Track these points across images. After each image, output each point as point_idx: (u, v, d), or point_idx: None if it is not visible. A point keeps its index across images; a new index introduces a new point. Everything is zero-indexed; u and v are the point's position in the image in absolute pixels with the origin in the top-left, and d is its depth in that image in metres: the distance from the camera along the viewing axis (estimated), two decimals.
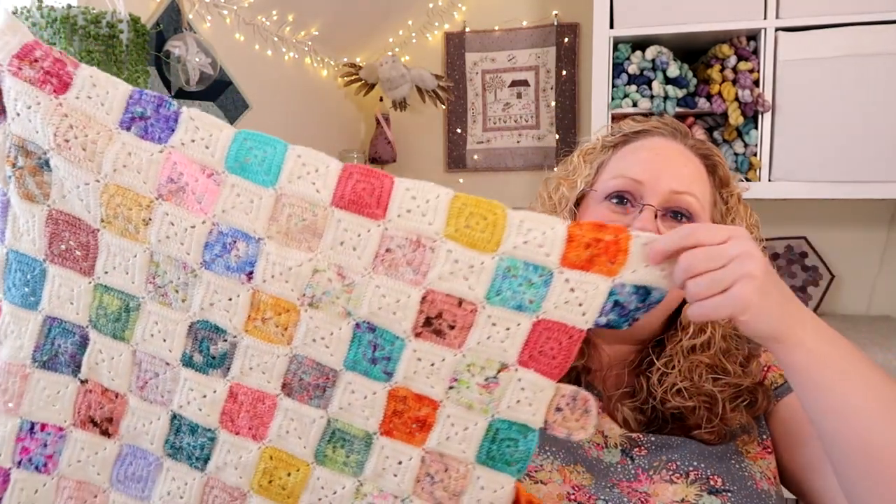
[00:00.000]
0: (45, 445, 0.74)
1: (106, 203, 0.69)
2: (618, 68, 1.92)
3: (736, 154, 1.88)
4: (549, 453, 0.79)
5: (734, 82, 1.83)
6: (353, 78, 2.43)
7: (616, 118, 1.97)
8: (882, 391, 0.62)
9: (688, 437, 0.81)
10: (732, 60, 1.85)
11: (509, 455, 0.69)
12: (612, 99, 1.91)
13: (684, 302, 0.86)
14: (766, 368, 0.87)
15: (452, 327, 0.67)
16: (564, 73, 2.45)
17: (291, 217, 0.68)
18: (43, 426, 0.73)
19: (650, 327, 0.86)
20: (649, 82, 1.89)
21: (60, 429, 0.73)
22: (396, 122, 2.57)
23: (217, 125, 0.71)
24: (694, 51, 1.98)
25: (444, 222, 0.66)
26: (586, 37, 2.36)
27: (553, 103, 2.47)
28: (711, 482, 0.75)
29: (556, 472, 0.77)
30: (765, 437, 0.83)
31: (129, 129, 0.70)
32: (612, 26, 1.91)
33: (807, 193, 1.83)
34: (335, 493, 0.71)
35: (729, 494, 0.75)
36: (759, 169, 1.84)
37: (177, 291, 0.70)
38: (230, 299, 0.69)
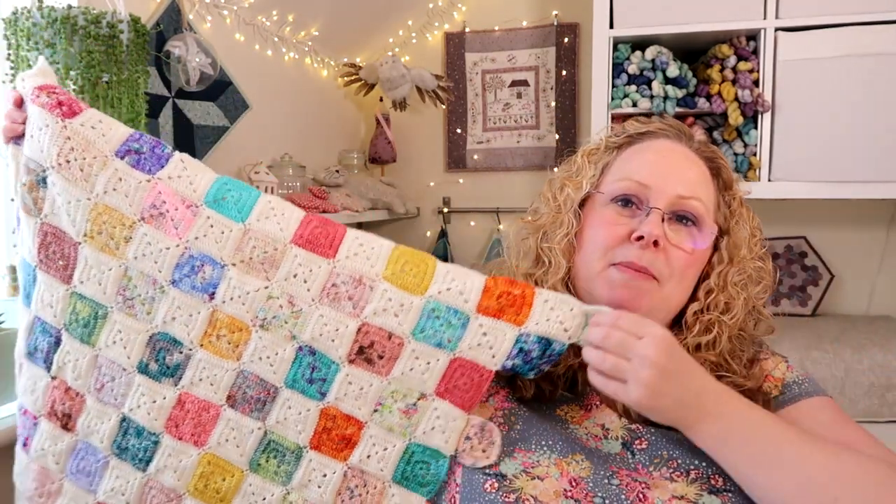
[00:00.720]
0: (25, 428, 0.83)
1: (93, 220, 0.79)
2: (618, 68, 1.92)
3: (736, 154, 1.88)
4: (545, 447, 0.79)
5: (734, 82, 1.83)
6: (353, 78, 2.43)
7: (616, 118, 1.97)
8: (792, 469, 0.68)
9: None
10: (732, 60, 1.85)
11: (421, 477, 0.78)
12: (612, 99, 1.91)
13: (688, 303, 0.87)
14: (763, 378, 0.87)
15: (381, 357, 0.77)
16: (564, 73, 2.45)
17: (255, 249, 0.78)
18: (25, 411, 0.83)
19: None
20: (649, 82, 1.89)
21: (35, 416, 0.82)
22: (396, 122, 2.57)
23: (203, 168, 0.81)
24: (694, 51, 1.98)
25: (384, 266, 0.77)
26: (586, 37, 2.36)
27: (553, 103, 2.47)
28: (712, 482, 0.75)
29: (553, 466, 0.77)
30: None
31: (122, 158, 0.80)
32: (611, 26, 1.91)
33: (807, 193, 1.83)
34: (264, 499, 0.80)
35: (730, 495, 0.74)
36: (759, 169, 1.84)
37: (143, 304, 0.80)
38: (191, 315, 0.79)
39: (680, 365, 0.71)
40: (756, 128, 1.85)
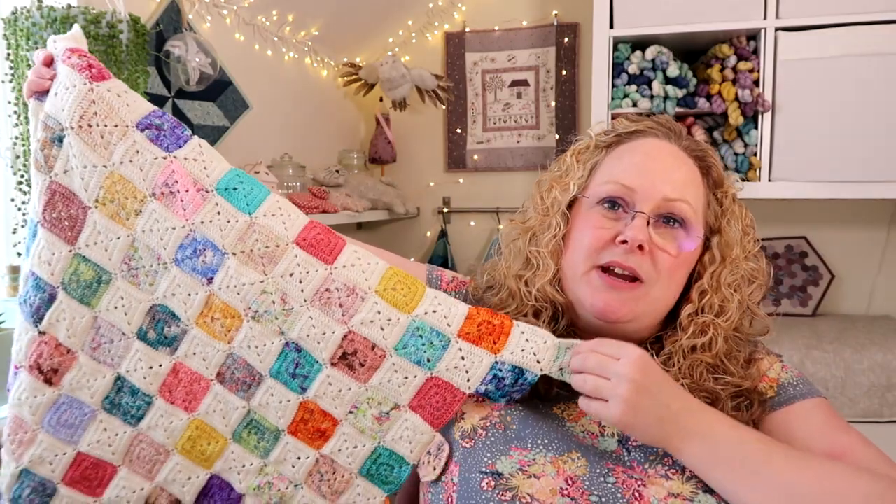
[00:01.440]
0: (8, 375, 0.86)
1: (107, 187, 0.80)
2: (618, 68, 1.92)
3: (736, 154, 1.88)
4: (541, 446, 0.79)
5: (734, 82, 1.83)
6: (353, 78, 2.43)
7: (616, 118, 1.96)
8: (778, 488, 0.69)
9: None
10: (732, 60, 1.85)
11: (385, 476, 0.85)
12: (612, 99, 1.91)
13: (679, 303, 0.87)
14: (759, 377, 0.87)
15: (363, 365, 0.81)
16: (564, 73, 2.45)
17: (257, 242, 0.80)
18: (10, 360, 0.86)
19: (643, 330, 0.86)
20: (649, 82, 1.89)
21: (17, 367, 0.84)
22: (396, 122, 2.57)
23: (219, 157, 0.83)
24: (694, 51, 1.98)
25: (378, 281, 0.81)
26: (586, 37, 2.36)
27: (553, 103, 2.47)
28: None
29: (549, 464, 0.77)
30: None
31: (143, 130, 0.81)
32: (612, 26, 1.91)
33: (807, 193, 1.83)
34: (244, 466, 0.86)
35: None
36: (759, 169, 1.84)
37: (147, 276, 0.83)
38: (189, 295, 0.82)
39: (656, 382, 0.73)
40: (756, 128, 1.85)
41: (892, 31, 1.72)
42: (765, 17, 1.81)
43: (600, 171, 0.89)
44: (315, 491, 0.85)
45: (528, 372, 0.79)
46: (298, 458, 0.85)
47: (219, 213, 0.80)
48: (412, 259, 2.57)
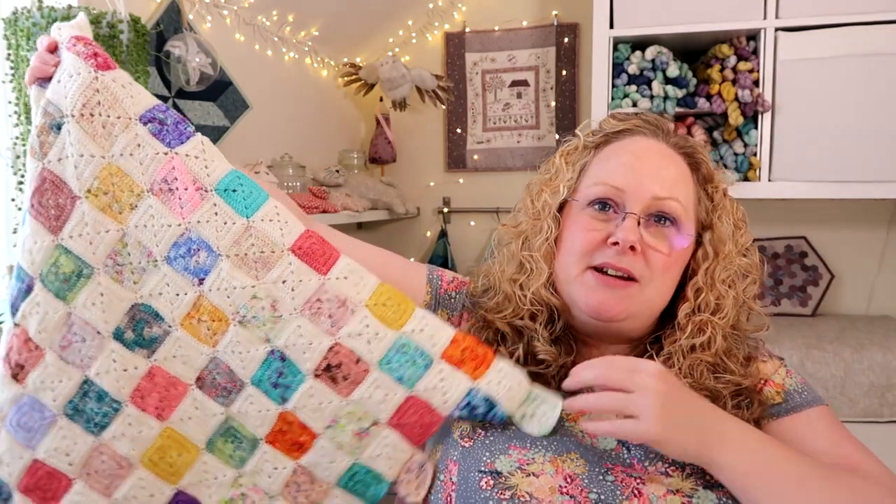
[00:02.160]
0: None
1: (102, 178, 0.78)
2: (618, 68, 1.92)
3: (736, 154, 1.88)
4: (540, 446, 0.79)
5: (734, 82, 1.83)
6: (353, 78, 2.43)
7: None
8: (809, 490, 0.70)
9: None
10: (732, 60, 1.85)
11: (362, 491, 0.83)
12: (612, 99, 1.91)
13: (672, 302, 0.87)
14: (763, 381, 0.87)
15: (346, 378, 0.80)
16: (564, 73, 2.45)
17: (252, 247, 0.79)
18: None
19: (638, 329, 0.86)
20: (649, 82, 1.89)
21: None
22: (396, 122, 2.57)
23: (220, 156, 0.81)
24: (694, 51, 1.98)
25: (369, 296, 0.81)
26: (586, 37, 2.36)
27: (553, 103, 2.47)
28: (707, 476, 0.75)
29: (548, 463, 0.77)
30: None
31: (146, 124, 0.79)
32: (612, 26, 1.91)
33: (807, 193, 1.83)
34: (216, 478, 0.82)
35: (725, 489, 0.75)
36: (759, 169, 1.84)
37: (133, 273, 0.79)
38: (178, 294, 0.80)
39: (682, 393, 0.72)
40: (756, 128, 1.85)
41: (892, 31, 1.72)
42: (765, 18, 1.81)
43: (589, 173, 0.89)
44: (291, 502, 0.83)
45: (498, 407, 0.79)
46: (276, 469, 0.82)
47: (216, 213, 0.79)
48: (412, 259, 2.58)
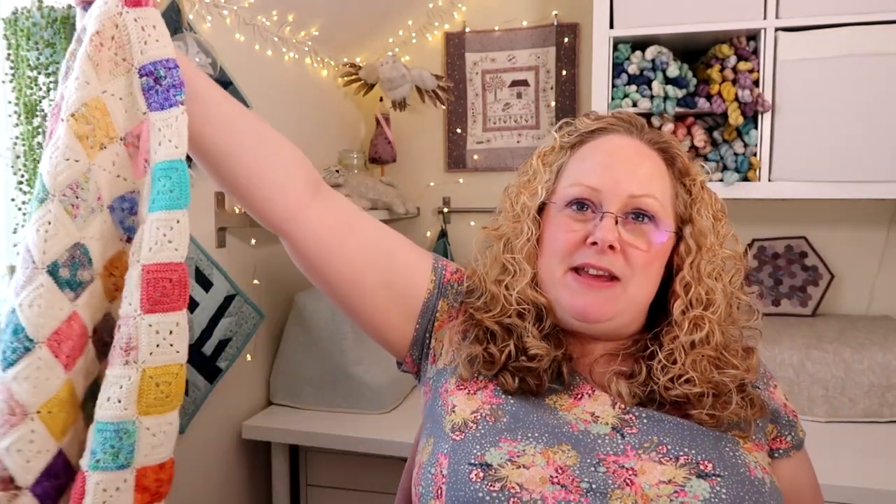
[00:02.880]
0: None
1: (89, 108, 0.76)
2: (618, 68, 1.92)
3: (736, 154, 1.88)
4: (531, 438, 0.79)
5: (734, 82, 1.83)
6: (353, 78, 2.43)
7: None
8: None
9: (684, 417, 0.82)
10: (732, 60, 1.85)
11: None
12: (612, 99, 1.91)
13: (660, 297, 0.87)
14: (786, 406, 0.91)
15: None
16: (564, 73, 2.45)
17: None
18: None
19: (624, 327, 0.87)
20: (649, 82, 1.89)
21: None
22: (396, 122, 2.57)
23: (183, 140, 0.79)
24: (694, 51, 1.98)
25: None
26: (586, 37, 2.36)
27: (553, 103, 2.47)
28: (701, 466, 0.76)
29: (539, 455, 0.77)
30: (757, 437, 0.84)
31: (142, 77, 0.79)
32: (612, 26, 1.90)
33: (807, 193, 1.83)
34: (80, 439, 0.76)
35: (719, 479, 0.75)
36: (759, 169, 1.84)
37: (86, 211, 0.76)
38: (107, 245, 0.80)
39: None
40: (756, 128, 1.85)
41: (892, 31, 1.72)
42: (765, 18, 1.81)
43: (566, 173, 0.90)
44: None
45: None
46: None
47: (146, 190, 0.78)
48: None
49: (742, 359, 0.86)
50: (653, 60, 1.87)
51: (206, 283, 1.66)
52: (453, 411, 0.84)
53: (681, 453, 0.77)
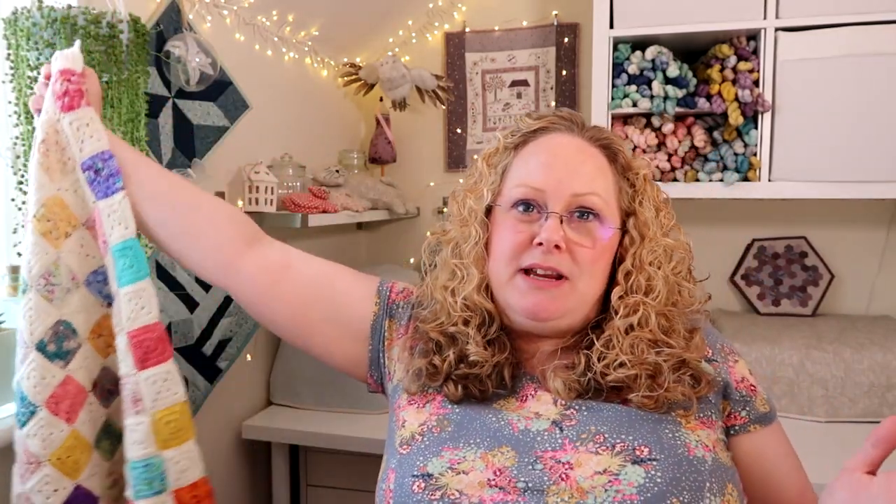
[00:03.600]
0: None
1: (48, 207, 0.90)
2: (618, 68, 1.92)
3: (736, 154, 1.88)
4: (472, 444, 0.80)
5: (734, 82, 1.83)
6: (352, 78, 2.43)
7: (616, 118, 1.97)
8: None
9: (623, 403, 0.82)
10: (732, 60, 1.85)
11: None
12: (612, 99, 1.91)
13: (608, 290, 0.87)
14: (743, 381, 0.89)
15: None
16: (564, 73, 2.45)
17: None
18: None
19: (576, 323, 0.87)
20: (649, 82, 1.88)
21: None
22: (396, 122, 2.57)
23: (129, 220, 0.93)
24: (694, 51, 1.98)
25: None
26: (586, 37, 2.36)
27: (553, 103, 2.47)
28: (637, 452, 0.76)
29: (478, 460, 0.78)
30: (702, 414, 0.84)
31: (84, 171, 0.92)
32: (612, 26, 1.90)
33: (807, 193, 1.83)
34: (102, 471, 0.95)
35: (654, 463, 0.75)
36: (759, 169, 1.84)
37: (61, 293, 0.92)
38: (90, 313, 0.95)
39: None
40: (756, 128, 1.85)
41: (892, 31, 1.72)
42: (765, 18, 1.81)
43: (510, 175, 0.90)
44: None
45: None
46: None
47: (111, 268, 0.93)
48: (411, 260, 2.58)
49: (685, 339, 0.86)
50: (653, 60, 1.87)
51: (206, 283, 1.66)
52: (403, 426, 0.86)
53: (617, 441, 0.77)
